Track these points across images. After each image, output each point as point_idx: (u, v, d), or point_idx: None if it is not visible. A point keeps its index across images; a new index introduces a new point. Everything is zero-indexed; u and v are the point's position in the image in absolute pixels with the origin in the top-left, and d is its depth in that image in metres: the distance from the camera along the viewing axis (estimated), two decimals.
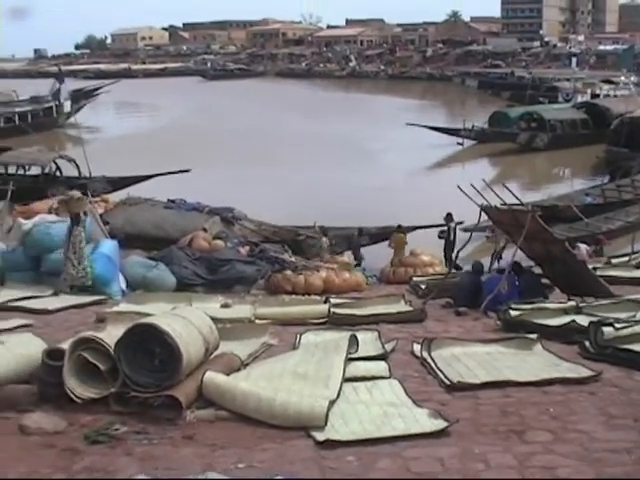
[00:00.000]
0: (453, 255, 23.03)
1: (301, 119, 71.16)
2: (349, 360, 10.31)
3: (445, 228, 26.41)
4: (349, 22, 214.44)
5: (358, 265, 25.64)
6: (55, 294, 19.12)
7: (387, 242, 26.25)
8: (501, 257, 22.70)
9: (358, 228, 26.96)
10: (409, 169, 47.72)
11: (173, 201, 28.68)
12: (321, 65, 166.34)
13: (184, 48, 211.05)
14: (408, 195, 37.14)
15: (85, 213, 19.38)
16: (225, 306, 16.77)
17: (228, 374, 9.49)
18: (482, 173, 34.73)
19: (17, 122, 60.87)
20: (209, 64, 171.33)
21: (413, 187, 41.18)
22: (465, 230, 23.82)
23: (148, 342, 8.91)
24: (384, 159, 51.82)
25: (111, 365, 9.02)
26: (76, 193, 20.29)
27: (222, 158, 47.27)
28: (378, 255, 26.12)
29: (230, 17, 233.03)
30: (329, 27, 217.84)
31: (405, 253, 25.16)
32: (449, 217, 26.29)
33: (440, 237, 26.53)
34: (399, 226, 26.30)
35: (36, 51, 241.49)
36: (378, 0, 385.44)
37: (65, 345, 9.42)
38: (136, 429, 8.39)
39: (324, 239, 25.70)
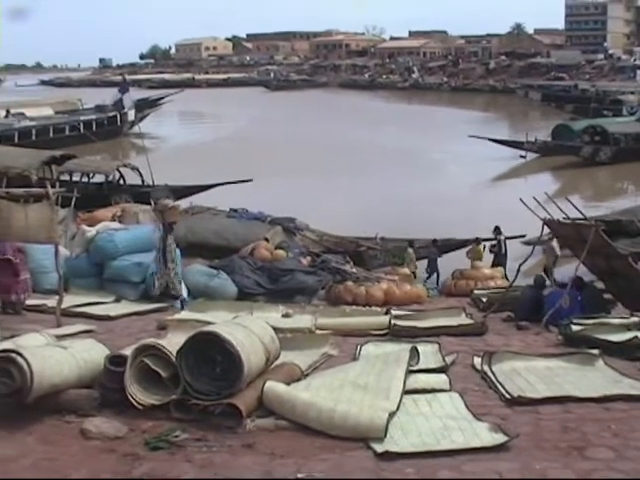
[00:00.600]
0: (512, 268, 22.84)
1: (363, 130, 71.05)
2: (409, 372, 10.27)
3: (495, 242, 26.30)
4: (412, 33, 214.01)
5: (430, 276, 25.64)
6: (117, 300, 19.33)
7: (450, 254, 26.13)
8: (551, 272, 22.57)
9: (433, 239, 26.77)
10: (471, 181, 47.39)
11: (235, 210, 28.79)
12: (384, 76, 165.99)
13: (247, 58, 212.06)
14: (469, 207, 36.90)
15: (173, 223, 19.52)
16: (286, 316, 16.80)
17: (288, 384, 9.50)
18: (544, 186, 34.34)
19: (82, 130, 61.50)
20: (272, 74, 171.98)
21: (474, 199, 40.90)
22: (527, 243, 23.66)
23: (210, 350, 8.95)
24: (446, 171, 51.60)
25: (172, 372, 9.08)
26: (170, 202, 20.46)
27: (284, 168, 47.36)
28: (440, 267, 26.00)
29: (294, 28, 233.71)
30: (392, 38, 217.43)
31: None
32: (497, 230, 26.16)
33: (491, 251, 26.36)
34: (477, 238, 26.15)
35: (101, 60, 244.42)
36: (441, 12, 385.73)
37: (127, 351, 9.51)
38: (196, 436, 8.43)
39: (410, 250, 25.64)
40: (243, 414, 8.67)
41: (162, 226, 19.44)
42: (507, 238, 26.00)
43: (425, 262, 26.37)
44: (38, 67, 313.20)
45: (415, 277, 24.54)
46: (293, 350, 11.49)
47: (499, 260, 25.91)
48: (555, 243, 23.77)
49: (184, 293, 20.07)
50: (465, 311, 17.77)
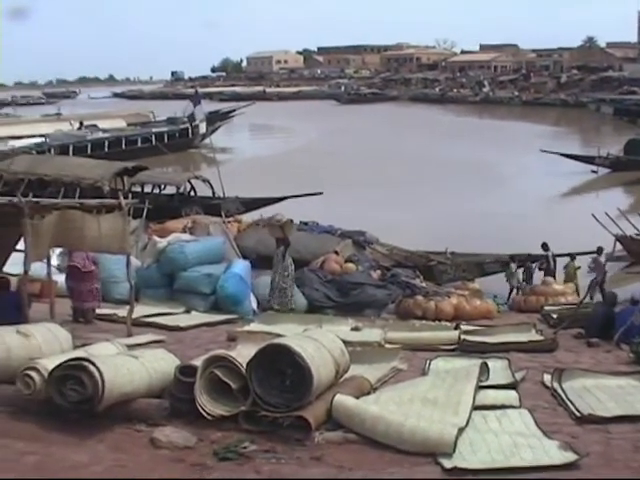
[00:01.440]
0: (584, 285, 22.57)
1: (433, 143, 70.85)
2: (479, 388, 10.21)
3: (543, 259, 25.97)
4: (483, 47, 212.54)
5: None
6: (187, 311, 19.47)
7: (522, 269, 25.88)
8: (600, 289, 22.28)
9: (510, 255, 26.45)
10: (542, 196, 46.98)
11: (306, 223, 28.83)
12: (454, 90, 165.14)
13: (318, 72, 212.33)
14: (540, 222, 36.54)
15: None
16: (355, 329, 16.79)
17: (358, 397, 9.50)
18: (616, 202, 33.96)
19: (154, 142, 62.08)
20: (343, 88, 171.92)
21: (546, 214, 40.52)
22: (597, 261, 23.42)
23: (280, 363, 8.99)
24: (516, 185, 51.14)
25: (242, 384, 9.13)
26: (284, 216, 20.74)
27: (355, 181, 47.38)
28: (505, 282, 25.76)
29: (365, 41, 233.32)
30: (463, 52, 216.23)
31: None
32: (545, 247, 25.79)
33: (540, 269, 26.01)
34: (570, 254, 25.75)
35: (173, 73, 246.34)
36: (512, 25, 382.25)
37: (197, 362, 9.57)
38: (265, 448, 8.46)
39: (512, 265, 25.48)
40: (312, 427, 8.69)
41: (277, 241, 20.24)
42: (579, 254, 25.62)
43: (494, 277, 26.17)
44: (111, 80, 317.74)
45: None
46: (362, 364, 11.49)
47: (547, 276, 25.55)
48: (603, 259, 23.52)
49: (254, 305, 20.18)
50: (535, 327, 17.63)
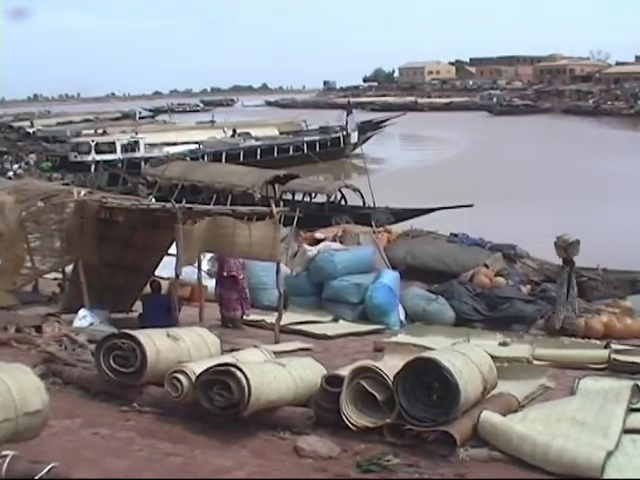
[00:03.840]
0: None
1: (583, 156, 69.42)
2: (630, 410, 9.93)
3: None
4: (639, 59, 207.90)
5: None
6: (335, 320, 19.56)
7: None
8: None
9: None
10: None
11: (456, 235, 28.67)
12: (608, 103, 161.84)
13: (470, 83, 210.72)
14: None
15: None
16: (503, 344, 16.57)
17: (504, 414, 9.35)
18: None
19: (305, 151, 62.65)
20: (495, 99, 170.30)
21: None
22: None
23: (427, 376, 8.92)
24: None
25: (388, 395, 9.09)
26: (571, 236, 20.81)
27: (506, 193, 46.83)
28: None
29: (517, 52, 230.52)
30: (618, 64, 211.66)
31: None
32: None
33: None
34: None
35: (325, 83, 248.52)
36: None
37: (343, 372, 9.58)
38: (408, 462, 8.42)
39: None
40: (457, 443, 8.59)
41: (564, 261, 20.51)
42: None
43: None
44: (264, 88, 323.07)
45: None
46: (510, 380, 11.30)
47: None
48: None
49: (401, 316, 20.14)
50: None
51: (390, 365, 9.46)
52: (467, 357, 9.46)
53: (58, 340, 13.18)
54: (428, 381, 8.92)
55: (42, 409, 7.08)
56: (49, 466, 6.70)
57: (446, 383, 8.78)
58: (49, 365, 11.21)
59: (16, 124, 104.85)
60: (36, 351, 12.53)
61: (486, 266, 24.80)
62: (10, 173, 54.54)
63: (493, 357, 10.64)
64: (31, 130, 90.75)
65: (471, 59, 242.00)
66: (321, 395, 9.59)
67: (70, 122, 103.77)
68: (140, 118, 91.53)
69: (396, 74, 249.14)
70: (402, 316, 20.25)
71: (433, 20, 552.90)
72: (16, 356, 12.04)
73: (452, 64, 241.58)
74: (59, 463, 6.90)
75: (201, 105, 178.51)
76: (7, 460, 6.53)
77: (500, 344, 16.61)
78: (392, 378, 9.08)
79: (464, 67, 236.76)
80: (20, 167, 59.79)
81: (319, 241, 24.69)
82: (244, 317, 18.29)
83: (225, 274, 18.18)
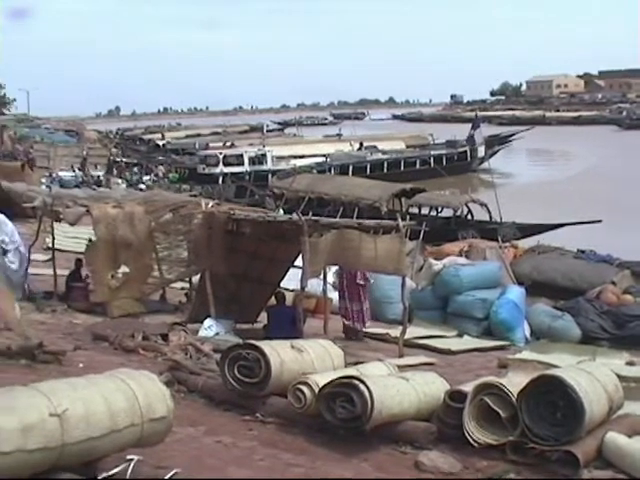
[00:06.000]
0: None
1: None
2: None
3: None
4: None
5: None
6: (459, 335, 19.49)
7: None
8: None
9: None
10: None
11: (583, 251, 28.30)
12: None
13: (599, 96, 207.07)
14: None
15: None
16: (630, 364, 16.24)
17: (630, 436, 9.16)
18: None
19: (432, 165, 62.53)
20: (624, 113, 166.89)
21: None
22: None
23: (552, 394, 8.80)
24: None
25: (511, 413, 9.00)
26: None
27: (635, 209, 45.82)
28: None
29: None
30: None
31: None
32: None
33: None
34: None
35: (452, 97, 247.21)
36: None
37: (466, 388, 9.52)
38: None
39: None
40: (580, 463, 8.45)
41: None
42: None
43: None
44: (391, 102, 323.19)
45: None
46: (636, 401, 11.09)
47: None
48: None
49: (527, 332, 19.94)
50: None
51: (514, 382, 9.37)
52: (592, 376, 9.31)
53: (184, 349, 13.40)
54: (552, 399, 8.79)
55: (167, 416, 7.24)
56: (173, 471, 6.87)
57: (571, 402, 8.64)
58: (174, 373, 11.39)
59: (146, 137, 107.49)
60: (162, 359, 12.75)
61: (614, 283, 24.39)
62: (142, 185, 55.73)
63: (619, 376, 10.45)
64: (161, 143, 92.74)
65: (600, 72, 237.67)
66: (444, 410, 9.55)
67: (199, 135, 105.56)
68: (268, 131, 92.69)
69: (523, 87, 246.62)
70: (527, 332, 20.06)
71: (562, 32, 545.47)
72: (143, 363, 12.33)
73: (580, 77, 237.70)
74: (182, 469, 7.07)
75: (330, 118, 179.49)
76: (132, 464, 6.72)
77: (627, 363, 16.28)
78: (516, 395, 8.99)
79: (593, 80, 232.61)
80: (150, 179, 61.16)
81: (446, 255, 24.63)
82: (364, 330, 18.32)
83: (354, 281, 18.19)
